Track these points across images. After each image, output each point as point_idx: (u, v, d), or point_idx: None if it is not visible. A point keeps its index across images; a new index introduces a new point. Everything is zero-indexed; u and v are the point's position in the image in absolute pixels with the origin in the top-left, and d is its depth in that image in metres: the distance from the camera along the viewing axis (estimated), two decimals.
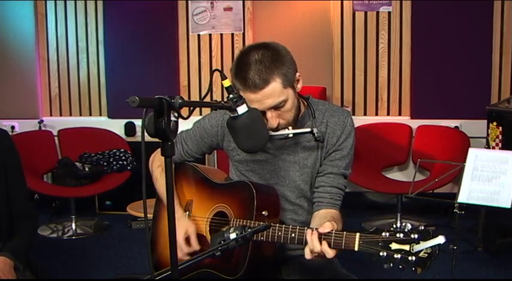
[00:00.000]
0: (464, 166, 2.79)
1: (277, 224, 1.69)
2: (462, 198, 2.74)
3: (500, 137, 3.71)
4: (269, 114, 1.77)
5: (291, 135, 1.84)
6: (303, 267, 1.96)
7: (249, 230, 1.53)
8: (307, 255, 1.58)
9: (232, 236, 1.53)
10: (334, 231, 1.56)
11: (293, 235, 1.65)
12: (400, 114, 4.83)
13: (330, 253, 1.54)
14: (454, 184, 4.02)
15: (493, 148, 3.73)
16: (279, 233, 1.67)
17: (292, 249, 1.98)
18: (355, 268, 2.05)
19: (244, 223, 1.77)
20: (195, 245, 1.88)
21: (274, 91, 1.73)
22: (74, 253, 3.94)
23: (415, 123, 4.66)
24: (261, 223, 1.71)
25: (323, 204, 1.89)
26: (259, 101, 1.74)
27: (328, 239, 1.56)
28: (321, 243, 1.56)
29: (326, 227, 1.57)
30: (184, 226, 1.89)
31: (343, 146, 1.90)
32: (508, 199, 2.66)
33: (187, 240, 1.89)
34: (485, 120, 3.88)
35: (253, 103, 1.74)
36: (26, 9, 4.98)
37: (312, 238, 1.56)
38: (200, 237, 1.92)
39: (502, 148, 3.65)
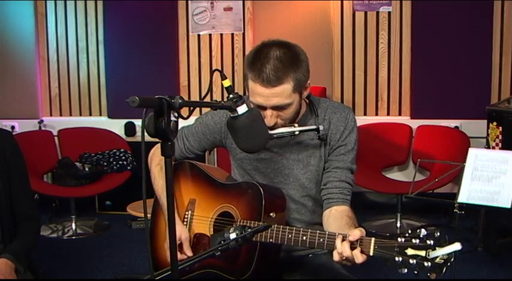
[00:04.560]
0: (464, 166, 2.80)
1: (288, 227, 1.68)
2: (462, 198, 2.74)
3: (500, 137, 3.71)
4: (269, 112, 1.77)
5: (297, 132, 1.84)
6: (303, 267, 1.96)
7: (249, 230, 1.53)
8: (336, 258, 1.55)
9: (232, 236, 1.53)
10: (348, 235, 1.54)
11: (304, 238, 1.63)
12: (400, 114, 4.83)
13: (359, 258, 1.50)
14: (454, 184, 4.02)
15: (493, 148, 3.73)
16: (289, 235, 1.65)
17: (294, 250, 1.97)
18: (355, 268, 2.04)
19: (245, 223, 1.77)
20: (187, 252, 1.89)
21: (283, 92, 1.73)
22: (74, 253, 3.94)
23: (415, 123, 4.65)
24: (260, 223, 1.71)
25: (333, 200, 1.87)
26: (267, 97, 1.74)
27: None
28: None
29: (356, 236, 1.52)
30: (177, 232, 1.86)
31: (347, 141, 1.91)
32: (508, 199, 2.66)
33: (180, 246, 1.89)
34: (485, 120, 3.88)
35: (259, 97, 1.74)
36: (26, 9, 4.98)
37: (343, 244, 1.53)
38: (203, 237, 1.91)
39: (502, 148, 3.64)
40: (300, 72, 1.75)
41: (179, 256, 1.87)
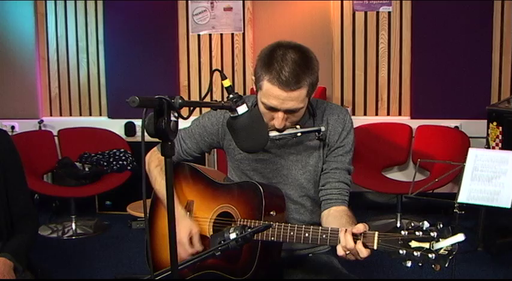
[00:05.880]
0: (464, 166, 2.80)
1: (289, 224, 1.68)
2: (462, 198, 2.74)
3: (500, 137, 3.71)
4: (281, 115, 1.76)
5: (299, 134, 1.84)
6: (304, 267, 1.96)
7: (249, 230, 1.53)
8: (340, 252, 1.56)
9: (232, 236, 1.52)
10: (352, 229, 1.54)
11: (306, 234, 1.63)
12: (400, 114, 4.83)
13: (364, 252, 1.51)
14: (454, 184, 4.02)
15: (493, 148, 3.74)
16: (292, 233, 1.65)
17: (294, 249, 1.97)
18: (355, 268, 2.05)
19: (245, 223, 1.77)
20: (198, 246, 1.87)
21: (299, 97, 1.73)
22: (74, 253, 3.94)
23: (415, 123, 4.65)
24: (261, 222, 1.71)
25: (332, 201, 1.88)
26: (283, 100, 1.72)
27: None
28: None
29: (360, 229, 1.53)
30: (187, 226, 1.87)
31: (345, 142, 1.91)
32: (508, 199, 2.66)
33: (191, 240, 1.88)
34: (485, 120, 3.89)
35: (274, 99, 1.72)
36: (26, 9, 4.98)
37: (345, 236, 1.53)
38: (203, 238, 1.90)
39: (502, 148, 3.65)
40: (314, 77, 1.76)
41: (190, 249, 1.86)
